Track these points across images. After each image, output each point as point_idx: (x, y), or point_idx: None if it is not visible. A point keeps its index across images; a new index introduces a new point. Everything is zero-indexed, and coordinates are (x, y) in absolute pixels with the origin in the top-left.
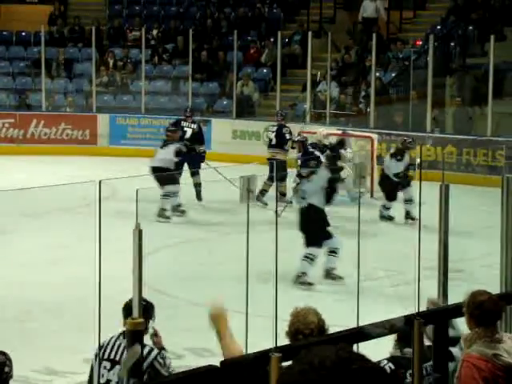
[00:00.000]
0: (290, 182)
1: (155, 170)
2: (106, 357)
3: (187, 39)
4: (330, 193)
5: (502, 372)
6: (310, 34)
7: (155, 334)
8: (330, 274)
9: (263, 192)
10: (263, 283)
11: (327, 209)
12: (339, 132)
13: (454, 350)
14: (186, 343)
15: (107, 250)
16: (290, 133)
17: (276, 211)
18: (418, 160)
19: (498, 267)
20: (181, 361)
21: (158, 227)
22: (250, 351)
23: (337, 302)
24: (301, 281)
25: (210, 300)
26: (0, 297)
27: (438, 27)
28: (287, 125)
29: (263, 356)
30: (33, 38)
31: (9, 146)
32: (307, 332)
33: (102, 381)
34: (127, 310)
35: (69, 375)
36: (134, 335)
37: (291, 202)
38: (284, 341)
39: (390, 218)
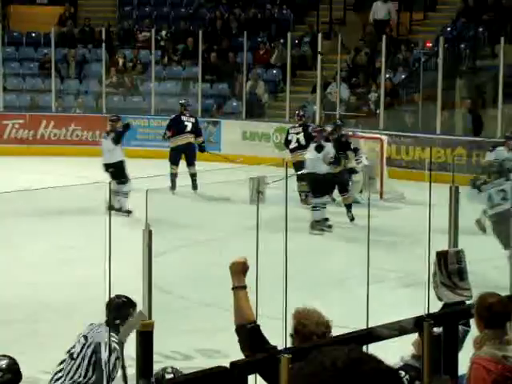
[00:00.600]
0: None
1: (108, 167)
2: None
3: (197, 40)
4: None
5: None
6: (319, 35)
7: None
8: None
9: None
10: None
11: None
12: (349, 134)
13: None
14: (196, 344)
15: (117, 250)
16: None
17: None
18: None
19: (507, 269)
20: (191, 362)
21: (168, 228)
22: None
23: (346, 303)
24: (318, 227)
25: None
26: (11, 297)
27: (448, 29)
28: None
29: (273, 357)
30: (43, 39)
31: (19, 146)
32: (320, 333)
33: (72, 350)
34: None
35: None
36: (144, 336)
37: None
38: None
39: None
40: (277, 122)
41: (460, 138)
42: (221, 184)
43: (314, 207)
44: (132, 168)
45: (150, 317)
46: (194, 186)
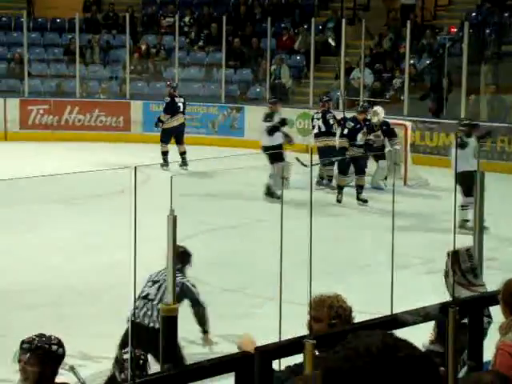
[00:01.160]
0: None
1: (266, 149)
2: (150, 279)
3: (221, 26)
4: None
5: None
6: (343, 21)
7: None
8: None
9: (327, 178)
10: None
11: None
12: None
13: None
14: (219, 330)
15: (142, 236)
16: (334, 118)
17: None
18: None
19: None
20: (214, 347)
21: (191, 214)
22: (283, 338)
23: (370, 289)
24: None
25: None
26: (36, 282)
27: (473, 14)
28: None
29: (297, 343)
30: (67, 24)
31: (44, 132)
32: (346, 315)
33: (143, 293)
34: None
35: (103, 360)
36: (168, 321)
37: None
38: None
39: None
40: (300, 107)
41: (484, 123)
42: (244, 170)
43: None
44: (156, 153)
45: (174, 302)
46: (185, 163)
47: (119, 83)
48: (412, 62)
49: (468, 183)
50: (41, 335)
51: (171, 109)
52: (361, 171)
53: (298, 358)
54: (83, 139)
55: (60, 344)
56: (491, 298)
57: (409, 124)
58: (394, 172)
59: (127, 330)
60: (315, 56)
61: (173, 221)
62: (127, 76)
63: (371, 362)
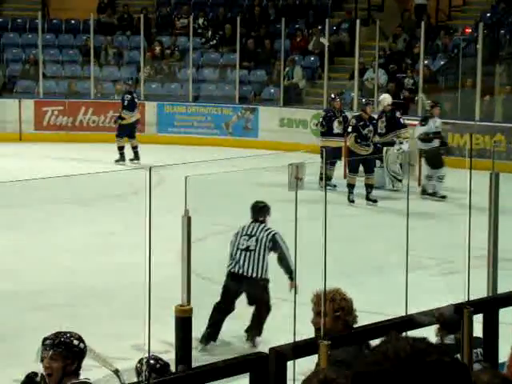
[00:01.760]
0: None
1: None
2: (244, 233)
3: (235, 27)
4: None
5: None
6: (358, 21)
7: None
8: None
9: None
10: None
11: None
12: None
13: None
14: (234, 331)
15: (156, 237)
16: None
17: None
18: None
19: None
20: (229, 348)
21: (206, 214)
22: (298, 339)
23: (384, 290)
24: None
25: None
26: (51, 283)
27: (488, 14)
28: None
29: (312, 343)
30: (82, 26)
31: (58, 133)
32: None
33: (241, 246)
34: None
35: (118, 361)
36: (182, 322)
37: (335, 186)
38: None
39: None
40: (314, 108)
41: (499, 124)
42: (258, 170)
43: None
44: (169, 154)
45: (188, 303)
46: (137, 158)
47: (133, 84)
48: (426, 62)
49: (433, 158)
50: (60, 332)
51: (132, 106)
52: (370, 170)
53: (312, 359)
54: (97, 140)
55: (81, 339)
56: (507, 299)
57: None
58: (409, 172)
59: (227, 282)
60: (329, 57)
61: (187, 221)
62: (142, 77)
63: (399, 366)
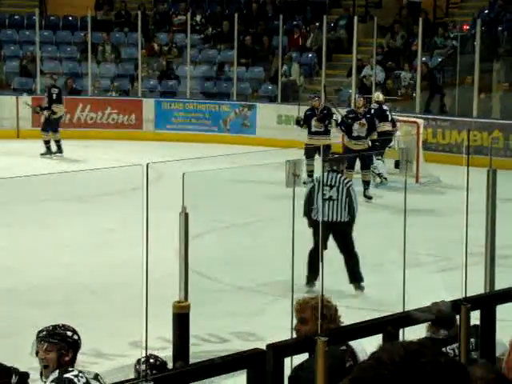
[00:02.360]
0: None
1: None
2: (325, 183)
3: (232, 24)
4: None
5: None
6: (355, 18)
7: None
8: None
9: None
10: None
11: None
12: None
13: None
14: (231, 327)
15: (153, 233)
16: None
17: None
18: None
19: None
20: (226, 345)
21: (203, 211)
22: (295, 336)
23: (382, 287)
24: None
25: None
26: (49, 279)
27: (486, 11)
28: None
29: (309, 340)
30: (80, 22)
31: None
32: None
33: (325, 196)
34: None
35: (116, 358)
36: (180, 318)
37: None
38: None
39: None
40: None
41: (497, 121)
42: (256, 167)
43: None
44: (166, 151)
45: (186, 299)
46: (60, 151)
47: (131, 81)
48: (424, 59)
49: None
50: (54, 325)
51: (61, 99)
52: (366, 166)
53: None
54: (95, 137)
55: (75, 331)
56: (504, 296)
57: (421, 122)
58: (406, 169)
59: (315, 230)
60: (327, 53)
61: (185, 218)
62: (139, 74)
63: (395, 369)
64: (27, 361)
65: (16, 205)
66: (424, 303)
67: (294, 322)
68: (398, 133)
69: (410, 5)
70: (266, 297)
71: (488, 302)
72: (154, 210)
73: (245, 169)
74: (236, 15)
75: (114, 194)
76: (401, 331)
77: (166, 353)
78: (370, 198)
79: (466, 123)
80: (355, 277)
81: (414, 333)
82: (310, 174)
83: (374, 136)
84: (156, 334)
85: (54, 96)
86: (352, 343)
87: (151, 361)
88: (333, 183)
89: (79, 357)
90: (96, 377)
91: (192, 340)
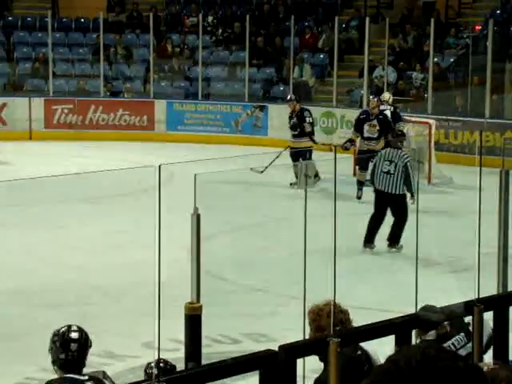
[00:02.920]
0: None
1: None
2: (385, 158)
3: (244, 25)
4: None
5: None
6: (367, 19)
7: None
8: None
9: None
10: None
11: None
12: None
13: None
14: (243, 328)
15: (166, 234)
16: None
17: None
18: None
19: None
20: (238, 346)
21: (215, 212)
22: (307, 337)
23: (394, 288)
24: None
25: None
26: (62, 281)
27: (498, 12)
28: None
29: (321, 341)
30: (92, 24)
31: (68, 131)
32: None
33: (384, 170)
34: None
35: (128, 359)
36: (192, 320)
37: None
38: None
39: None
40: (324, 106)
41: (509, 121)
42: (269, 168)
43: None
44: (179, 152)
45: (198, 300)
46: None
47: (143, 82)
48: (436, 60)
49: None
50: (68, 325)
51: None
52: (363, 167)
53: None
54: (107, 138)
55: (81, 330)
56: None
57: (433, 122)
58: (418, 170)
59: (376, 197)
60: (339, 54)
61: (196, 219)
62: (151, 75)
63: (411, 374)
64: (40, 361)
65: (29, 206)
66: (437, 304)
67: (307, 330)
68: (410, 133)
69: (425, 5)
70: (278, 298)
71: (501, 303)
72: (166, 211)
73: (256, 169)
74: (248, 16)
75: (127, 195)
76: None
77: (179, 354)
78: (359, 197)
79: (478, 124)
80: (392, 238)
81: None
82: (297, 175)
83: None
84: (168, 336)
85: None
86: (364, 346)
87: (161, 365)
88: (392, 158)
89: (91, 358)
90: (104, 375)
91: (204, 341)
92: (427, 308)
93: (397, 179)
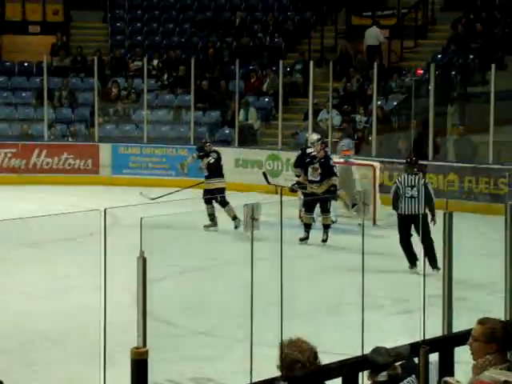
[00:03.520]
0: None
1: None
2: (407, 184)
3: (189, 68)
4: None
5: None
6: (311, 62)
7: None
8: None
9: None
10: (267, 311)
11: None
12: (342, 160)
13: None
14: (191, 373)
15: (111, 279)
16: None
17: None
18: None
19: (502, 294)
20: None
21: (162, 256)
22: (254, 380)
23: (341, 329)
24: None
25: None
26: (4, 326)
27: (439, 56)
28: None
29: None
30: (35, 68)
31: (11, 175)
32: (304, 360)
33: (407, 195)
34: None
35: None
36: (138, 365)
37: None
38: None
39: None
40: (269, 149)
41: (452, 164)
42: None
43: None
44: (124, 196)
45: (144, 345)
46: None
47: (87, 126)
48: (379, 103)
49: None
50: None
51: None
52: (324, 210)
53: None
54: (52, 182)
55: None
56: (461, 338)
57: (377, 164)
58: (364, 212)
59: (400, 221)
60: (283, 98)
61: (142, 262)
62: (96, 119)
63: None
64: None
65: None
66: (384, 346)
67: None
68: (356, 175)
69: (369, 48)
70: (224, 341)
71: (446, 344)
72: (111, 255)
73: (202, 213)
74: (192, 60)
75: (71, 239)
76: (360, 375)
77: None
78: (323, 240)
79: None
80: (434, 261)
81: None
82: (211, 217)
83: (334, 181)
84: (114, 381)
85: None
86: None
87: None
88: (413, 184)
89: None
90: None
91: None
92: (376, 350)
93: (419, 201)
